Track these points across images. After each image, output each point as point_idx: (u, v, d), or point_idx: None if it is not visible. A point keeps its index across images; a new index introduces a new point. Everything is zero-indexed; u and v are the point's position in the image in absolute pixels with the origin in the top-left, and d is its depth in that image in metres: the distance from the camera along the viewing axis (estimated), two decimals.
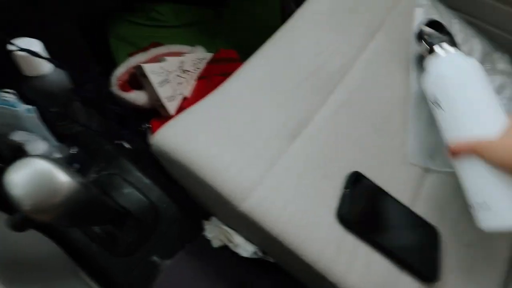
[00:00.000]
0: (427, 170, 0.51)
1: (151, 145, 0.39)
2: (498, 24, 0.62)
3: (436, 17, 0.58)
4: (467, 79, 0.39)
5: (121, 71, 0.78)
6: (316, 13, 0.56)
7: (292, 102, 0.45)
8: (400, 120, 0.51)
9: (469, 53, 0.59)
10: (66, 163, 0.54)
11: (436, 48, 0.44)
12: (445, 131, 0.41)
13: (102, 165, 0.55)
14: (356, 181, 0.42)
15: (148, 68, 0.76)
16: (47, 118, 0.51)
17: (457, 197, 0.51)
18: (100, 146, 0.56)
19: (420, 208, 0.46)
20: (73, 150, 0.54)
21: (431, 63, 0.44)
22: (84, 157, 0.55)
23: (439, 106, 0.40)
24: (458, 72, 0.40)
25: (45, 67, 0.44)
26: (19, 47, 0.38)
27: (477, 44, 0.60)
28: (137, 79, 0.80)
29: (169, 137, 0.37)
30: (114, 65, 0.91)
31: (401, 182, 0.48)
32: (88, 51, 0.62)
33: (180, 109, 0.84)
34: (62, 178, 0.29)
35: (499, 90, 0.59)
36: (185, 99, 0.85)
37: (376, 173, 0.46)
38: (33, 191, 0.27)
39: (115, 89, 0.76)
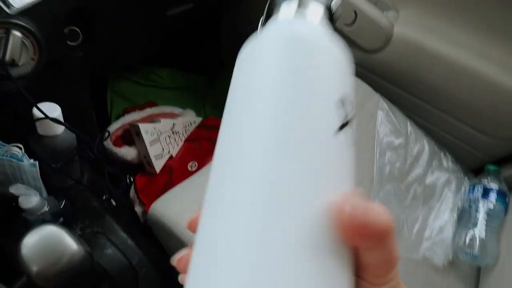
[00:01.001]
0: None
1: (148, 214, 0.43)
2: (443, 128, 0.77)
3: (393, 118, 0.72)
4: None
5: (116, 126, 0.83)
6: None
7: None
8: None
9: (420, 152, 0.71)
10: (51, 216, 0.55)
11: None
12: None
13: (87, 222, 0.56)
14: None
15: (143, 128, 0.82)
16: (45, 171, 0.53)
17: (413, 282, 0.57)
18: (88, 202, 0.58)
19: None
20: (62, 204, 0.56)
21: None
22: (70, 212, 0.57)
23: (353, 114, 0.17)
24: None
25: (59, 129, 0.48)
26: (43, 113, 0.43)
27: (426, 144, 0.73)
28: (129, 136, 0.85)
29: (169, 210, 0.41)
30: (106, 115, 0.96)
31: None
32: (93, 109, 0.67)
33: (165, 166, 0.88)
34: (72, 247, 0.31)
35: (446, 184, 0.70)
36: (171, 157, 0.90)
37: None
38: (43, 255, 0.30)
39: (108, 143, 0.80)
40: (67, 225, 0.56)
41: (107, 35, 0.56)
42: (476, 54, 0.67)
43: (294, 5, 0.17)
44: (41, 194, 0.53)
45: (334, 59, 0.15)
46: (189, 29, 0.85)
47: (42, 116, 0.42)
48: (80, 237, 0.54)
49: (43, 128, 0.47)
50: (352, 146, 0.15)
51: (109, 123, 0.89)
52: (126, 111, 0.90)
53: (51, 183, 0.56)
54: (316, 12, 0.17)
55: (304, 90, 0.14)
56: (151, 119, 0.90)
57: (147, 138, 0.83)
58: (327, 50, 0.15)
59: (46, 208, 0.53)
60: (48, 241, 0.31)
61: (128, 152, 0.81)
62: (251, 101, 0.14)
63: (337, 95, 0.14)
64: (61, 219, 0.56)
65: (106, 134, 0.67)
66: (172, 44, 0.95)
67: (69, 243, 0.32)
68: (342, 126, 0.14)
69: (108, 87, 0.99)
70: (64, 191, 0.57)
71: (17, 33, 0.38)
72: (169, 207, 0.42)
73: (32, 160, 0.49)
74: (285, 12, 0.17)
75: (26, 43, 0.37)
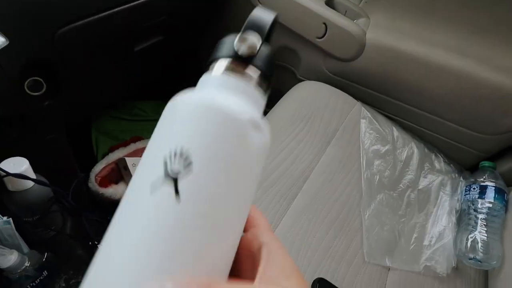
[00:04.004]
0: (388, 268, 0.56)
1: None
2: (431, 128, 0.75)
3: (377, 125, 0.70)
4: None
5: (100, 167, 0.82)
6: (281, 120, 0.65)
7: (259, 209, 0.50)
8: (357, 221, 0.57)
9: (410, 156, 0.69)
10: (35, 271, 0.53)
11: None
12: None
13: (71, 272, 0.54)
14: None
15: (130, 161, 0.80)
16: (21, 226, 0.52)
17: None
18: (72, 251, 0.56)
19: None
20: (44, 257, 0.54)
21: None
22: (54, 264, 0.55)
23: (188, 164, 0.14)
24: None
25: (28, 182, 0.47)
26: (6, 172, 0.42)
27: (415, 147, 0.71)
28: (116, 174, 0.83)
29: None
30: (93, 155, 0.95)
31: (364, 283, 0.51)
32: (72, 154, 0.66)
33: None
34: None
35: (440, 187, 0.68)
36: None
37: (341, 276, 0.50)
38: None
39: (93, 185, 0.79)
40: (51, 277, 0.54)
41: (73, 81, 0.55)
42: (452, 52, 0.66)
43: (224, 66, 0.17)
44: (20, 250, 0.52)
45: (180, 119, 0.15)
46: (165, 60, 0.84)
47: (5, 174, 0.41)
48: None
49: (12, 184, 0.46)
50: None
51: (96, 163, 0.88)
52: (110, 150, 0.89)
53: (32, 236, 0.55)
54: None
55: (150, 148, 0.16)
56: (136, 154, 0.89)
57: (134, 171, 0.82)
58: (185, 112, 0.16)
59: (27, 264, 0.52)
60: None
61: (115, 191, 0.80)
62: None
63: (164, 151, 0.14)
64: (45, 273, 0.54)
65: (83, 178, 0.66)
66: (153, 77, 0.95)
67: None
68: (158, 186, 0.14)
69: (92, 126, 0.98)
70: (46, 243, 0.56)
71: None
72: None
73: (5, 218, 0.48)
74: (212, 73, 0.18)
75: None
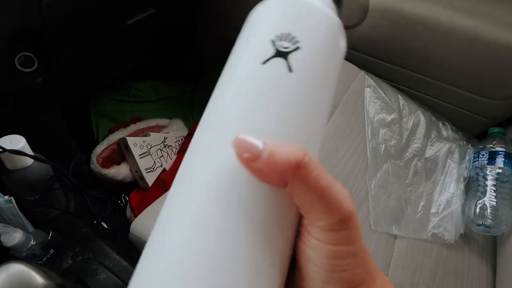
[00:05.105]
0: (395, 236, 0.55)
1: (129, 234, 0.41)
2: (438, 96, 0.72)
3: (382, 94, 0.68)
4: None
5: (101, 148, 0.81)
6: None
7: None
8: (363, 190, 0.56)
9: (416, 124, 0.67)
10: (41, 249, 0.53)
11: None
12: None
13: (77, 249, 0.54)
14: None
15: (131, 141, 0.80)
16: (24, 205, 0.51)
17: (426, 262, 0.54)
18: (76, 229, 0.56)
19: (394, 276, 0.49)
20: (49, 236, 0.54)
21: None
22: (59, 242, 0.55)
23: (295, 43, 0.16)
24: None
25: (27, 160, 0.46)
26: (2, 148, 0.41)
27: (421, 115, 0.69)
28: (118, 155, 0.83)
29: (148, 228, 0.39)
30: (93, 138, 0.95)
31: (372, 251, 0.51)
32: (70, 136, 0.65)
33: (159, 180, 0.86)
34: (40, 282, 0.29)
35: (448, 155, 0.66)
36: (164, 170, 0.88)
37: None
38: None
39: (95, 166, 0.78)
40: (58, 255, 0.54)
41: (65, 56, 0.53)
42: (459, 11, 0.62)
43: None
44: (25, 229, 0.52)
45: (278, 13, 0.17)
46: (159, 37, 0.82)
47: (1, 150, 0.40)
48: (73, 265, 0.53)
49: (10, 163, 0.45)
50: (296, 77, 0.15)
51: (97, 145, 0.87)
52: (110, 131, 0.88)
53: (36, 216, 0.55)
54: None
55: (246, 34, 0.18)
56: (137, 134, 0.88)
57: (136, 151, 0.81)
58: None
59: (33, 242, 0.52)
60: (13, 280, 0.29)
61: (117, 172, 0.79)
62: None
63: (270, 36, 0.16)
64: (52, 251, 0.54)
65: (84, 159, 0.65)
66: (147, 54, 0.93)
67: (36, 280, 0.30)
68: (269, 58, 0.15)
69: (91, 109, 0.97)
70: (50, 222, 0.56)
71: None
72: (148, 225, 0.40)
73: (6, 197, 0.47)
74: None
75: None
